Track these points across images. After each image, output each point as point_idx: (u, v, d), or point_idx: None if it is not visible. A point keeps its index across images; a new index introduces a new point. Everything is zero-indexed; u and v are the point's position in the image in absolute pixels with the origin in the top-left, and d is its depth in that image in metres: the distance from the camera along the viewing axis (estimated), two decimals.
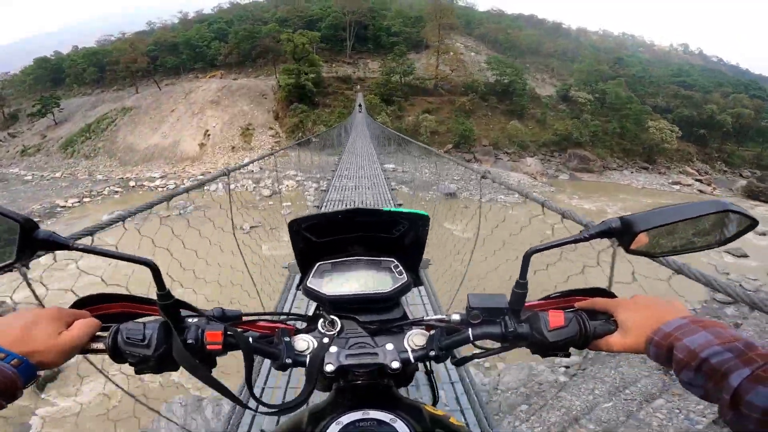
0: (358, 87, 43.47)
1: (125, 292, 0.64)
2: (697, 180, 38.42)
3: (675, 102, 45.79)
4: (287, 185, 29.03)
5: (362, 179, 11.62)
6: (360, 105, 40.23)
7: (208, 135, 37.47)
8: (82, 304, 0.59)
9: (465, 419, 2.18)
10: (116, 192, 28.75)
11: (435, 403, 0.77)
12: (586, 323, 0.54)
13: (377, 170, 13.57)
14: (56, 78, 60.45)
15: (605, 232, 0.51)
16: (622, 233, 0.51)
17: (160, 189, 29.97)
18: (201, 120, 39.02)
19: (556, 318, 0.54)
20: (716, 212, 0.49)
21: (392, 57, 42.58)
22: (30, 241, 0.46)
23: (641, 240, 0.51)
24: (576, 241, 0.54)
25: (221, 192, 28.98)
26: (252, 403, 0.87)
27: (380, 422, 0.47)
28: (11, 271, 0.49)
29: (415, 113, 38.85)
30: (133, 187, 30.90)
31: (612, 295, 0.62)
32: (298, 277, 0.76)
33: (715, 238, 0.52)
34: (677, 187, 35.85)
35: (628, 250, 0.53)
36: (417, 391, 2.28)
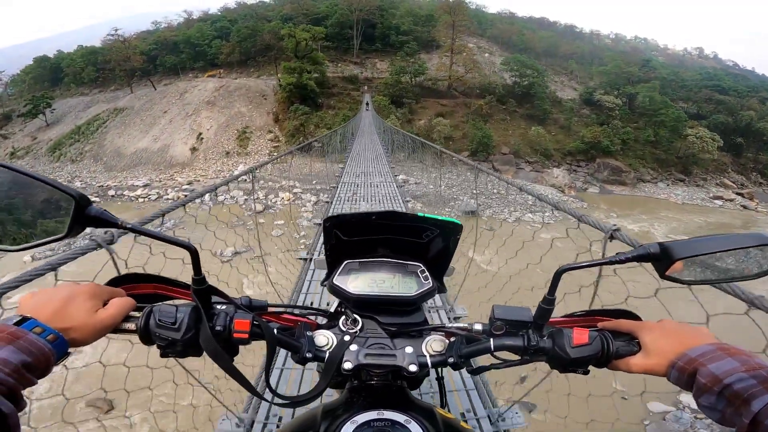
0: (366, 87, 39.03)
1: (159, 274, 0.62)
2: (737, 194, 33.49)
3: (708, 107, 40.74)
4: (282, 198, 24.64)
5: (370, 187, 9.64)
6: (367, 103, 35.75)
7: (201, 138, 33.18)
8: (117, 282, 0.58)
9: (480, 427, 2.03)
10: None
11: (442, 407, 0.73)
12: (610, 343, 0.53)
13: (388, 180, 10.86)
14: (55, 78, 56.78)
15: (642, 257, 0.50)
16: (659, 259, 0.50)
17: (140, 199, 25.71)
18: (194, 122, 34.76)
19: (580, 335, 0.53)
20: (757, 246, 0.48)
21: (402, 55, 38.03)
22: (82, 216, 0.46)
23: (677, 267, 0.50)
24: (610, 263, 0.52)
25: (207, 206, 24.69)
26: (268, 395, 0.86)
27: (395, 423, 0.47)
28: (57, 242, 0.48)
29: (427, 116, 34.30)
30: (112, 196, 26.70)
31: (637, 318, 0.60)
32: (317, 272, 0.76)
33: (753, 271, 0.51)
34: (719, 202, 30.93)
35: (663, 276, 0.51)
36: (422, 394, 1.88)
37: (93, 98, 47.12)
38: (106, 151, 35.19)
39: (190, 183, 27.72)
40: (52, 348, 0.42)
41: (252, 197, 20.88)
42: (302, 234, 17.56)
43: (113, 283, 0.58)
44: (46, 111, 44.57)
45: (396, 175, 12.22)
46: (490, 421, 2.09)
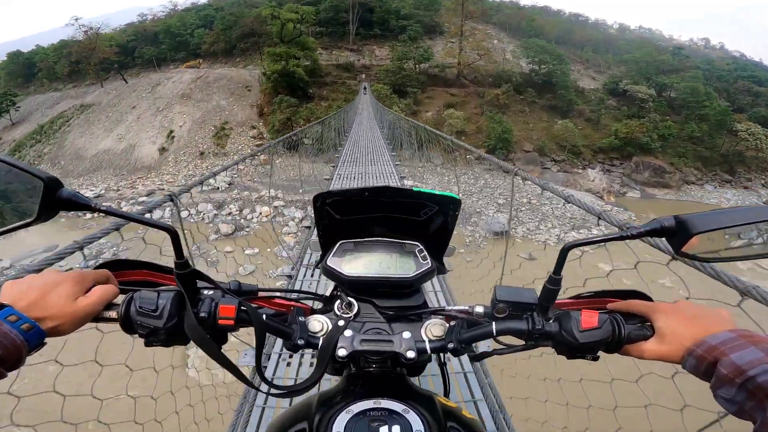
0: (363, 76, 32.82)
1: (148, 260, 0.57)
2: None
3: (745, 100, 34.81)
4: (261, 213, 18.74)
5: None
6: (365, 87, 30.01)
7: (173, 137, 27.11)
8: (104, 268, 0.54)
9: (478, 411, 1.91)
10: None
11: (446, 395, 0.67)
12: (622, 326, 0.47)
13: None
14: (29, 74, 50.26)
15: (656, 231, 0.44)
16: (674, 233, 0.44)
17: (81, 217, 19.79)
18: (166, 118, 28.63)
19: (589, 318, 0.47)
20: None
21: (405, 39, 31.77)
22: (53, 200, 0.43)
23: (693, 243, 0.44)
24: (621, 238, 0.47)
25: (166, 219, 18.75)
26: (263, 386, 0.76)
27: (392, 412, 0.44)
28: (27, 228, 0.45)
29: (435, 108, 28.25)
30: None
31: (649, 299, 0.55)
32: (312, 254, 0.68)
33: None
34: None
35: (678, 253, 0.45)
36: (427, 382, 1.88)
37: (63, 94, 40.77)
38: (65, 153, 29.13)
39: (151, 193, 21.75)
40: (24, 339, 0.39)
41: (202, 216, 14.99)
42: (278, 271, 11.94)
43: (101, 268, 0.53)
44: (10, 109, 38.37)
45: (402, 177, 9.33)
46: (487, 403, 1.95)
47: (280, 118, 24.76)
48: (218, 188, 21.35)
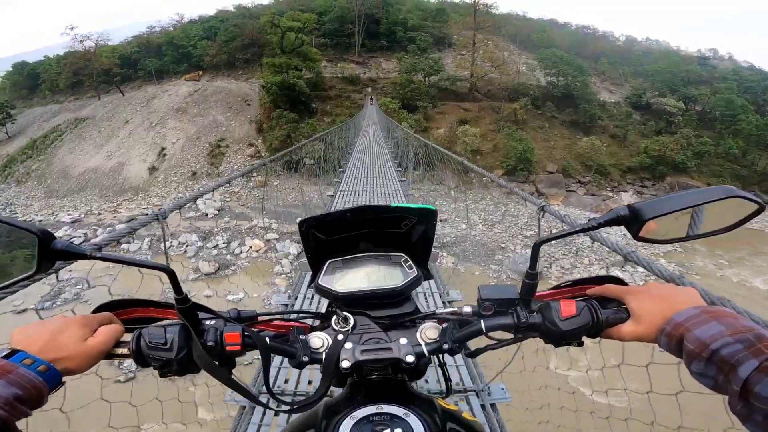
0: (369, 89, 30.07)
1: (144, 297, 0.59)
2: None
3: None
4: (250, 248, 15.82)
5: None
6: (371, 99, 27.41)
7: (164, 155, 24.50)
8: (103, 309, 0.56)
9: (468, 402, 1.96)
10: None
11: (447, 394, 0.71)
12: (598, 312, 0.49)
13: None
14: (34, 85, 48.37)
15: (614, 221, 0.48)
16: (630, 221, 0.47)
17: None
18: (159, 134, 26.07)
19: (567, 307, 0.49)
20: (723, 198, 0.46)
21: (414, 50, 29.03)
22: (48, 252, 0.43)
23: (650, 227, 0.47)
24: (585, 230, 0.50)
25: (144, 251, 15.90)
26: (271, 402, 0.79)
27: (394, 417, 0.45)
28: (29, 283, 0.48)
29: (447, 124, 25.36)
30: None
31: (623, 283, 0.56)
32: (309, 275, 0.69)
33: (725, 224, 0.48)
34: None
35: (636, 237, 0.48)
36: (427, 384, 2.01)
37: (62, 107, 38.57)
38: (53, 170, 26.62)
39: (132, 219, 19.00)
40: (43, 380, 0.40)
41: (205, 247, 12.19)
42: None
43: (100, 310, 0.55)
44: (6, 122, 36.22)
45: (409, 194, 8.50)
46: (477, 395, 2.01)
47: (279, 135, 22.01)
48: (206, 215, 18.57)
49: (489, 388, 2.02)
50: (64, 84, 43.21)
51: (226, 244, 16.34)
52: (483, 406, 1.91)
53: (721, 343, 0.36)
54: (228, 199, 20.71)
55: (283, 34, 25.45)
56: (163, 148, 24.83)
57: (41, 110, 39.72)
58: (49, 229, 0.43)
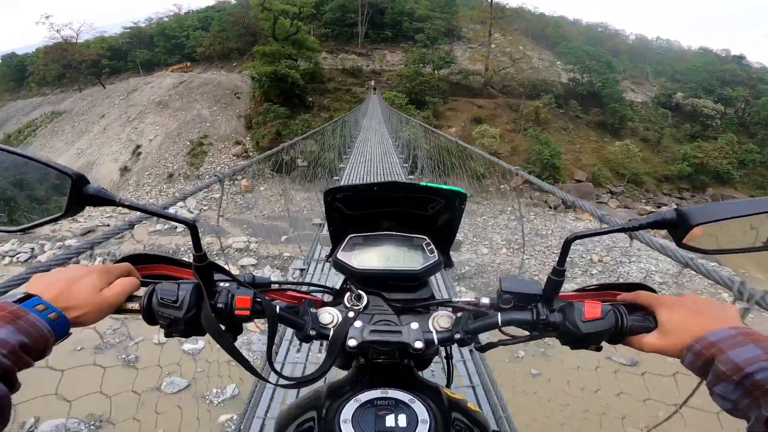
0: (372, 82, 26.42)
1: (166, 255, 0.56)
2: None
3: None
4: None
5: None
6: (374, 88, 24.32)
7: (139, 153, 21.00)
8: (126, 261, 0.54)
9: (476, 396, 1.92)
10: None
11: (448, 385, 0.67)
12: (624, 317, 0.46)
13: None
14: (21, 77, 44.76)
15: (658, 223, 0.43)
16: (676, 225, 0.43)
17: (5, 259, 13.55)
18: (135, 130, 22.56)
19: (592, 309, 0.45)
20: None
21: (422, 39, 25.34)
22: (80, 196, 0.42)
23: (695, 234, 0.42)
24: (624, 230, 0.46)
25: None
26: (272, 377, 0.78)
27: (398, 402, 0.43)
28: (56, 222, 0.45)
29: (459, 122, 21.77)
30: None
31: (654, 292, 0.52)
32: (327, 249, 0.65)
33: None
34: None
35: (680, 244, 0.44)
36: (431, 374, 1.60)
37: (44, 99, 35.04)
38: None
39: (88, 232, 15.51)
40: (51, 329, 0.38)
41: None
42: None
43: (122, 261, 0.53)
44: None
45: None
46: (484, 389, 1.96)
47: (266, 133, 18.44)
48: (175, 228, 15.18)
49: (496, 383, 1.99)
50: (52, 76, 39.85)
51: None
52: (489, 401, 1.86)
53: (757, 367, 0.33)
54: (205, 208, 17.23)
55: (275, 19, 21.79)
56: (138, 146, 21.35)
57: (23, 103, 36.22)
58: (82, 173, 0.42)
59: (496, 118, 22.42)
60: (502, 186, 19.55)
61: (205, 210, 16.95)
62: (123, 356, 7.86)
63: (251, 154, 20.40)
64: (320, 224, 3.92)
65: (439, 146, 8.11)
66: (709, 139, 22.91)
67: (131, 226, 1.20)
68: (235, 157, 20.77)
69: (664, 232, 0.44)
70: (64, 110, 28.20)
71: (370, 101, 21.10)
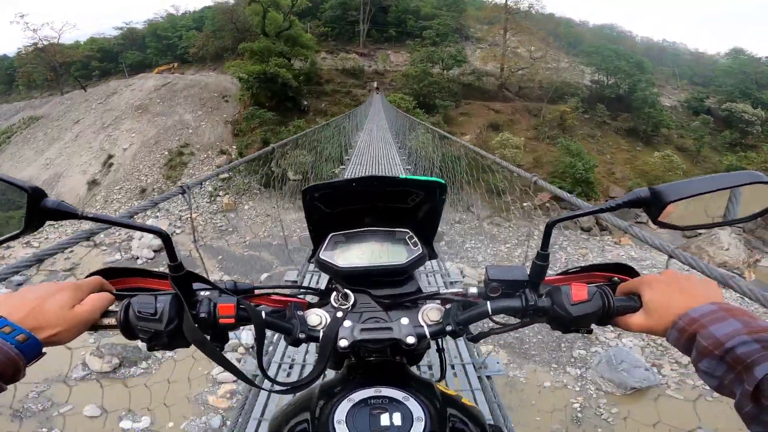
0: (375, 83, 23.43)
1: (140, 267, 0.53)
2: None
3: None
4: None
5: None
6: (377, 89, 21.61)
7: (110, 164, 18.10)
8: (97, 275, 0.51)
9: (475, 400, 1.79)
10: None
11: (441, 378, 0.66)
12: (610, 298, 0.45)
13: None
14: (12, 80, 42.26)
15: (633, 202, 0.43)
16: (650, 204, 0.43)
17: None
18: (109, 138, 19.66)
19: (579, 291, 0.44)
20: (749, 183, 0.41)
21: (431, 37, 22.33)
22: (38, 210, 0.39)
23: (669, 211, 0.43)
24: (602, 210, 0.46)
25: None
26: (266, 383, 0.71)
27: (392, 400, 0.42)
28: (15, 240, 0.42)
29: (474, 128, 18.74)
30: None
31: (635, 271, 0.52)
32: (309, 250, 0.63)
33: (749, 212, 0.44)
34: None
35: (656, 222, 0.44)
36: (427, 369, 1.90)
37: (28, 104, 32.28)
38: None
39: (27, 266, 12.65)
40: (20, 351, 0.36)
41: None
42: None
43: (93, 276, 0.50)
44: None
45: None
46: (474, 367, 1.97)
47: (250, 142, 15.52)
48: (136, 258, 12.28)
49: (485, 361, 1.97)
50: (41, 79, 37.20)
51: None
52: (480, 378, 1.88)
53: (738, 341, 0.33)
54: (178, 231, 14.29)
55: (265, 12, 18.82)
56: (110, 156, 18.45)
57: (8, 107, 33.38)
58: (39, 186, 0.39)
59: (515, 124, 19.37)
60: (525, 204, 16.56)
61: (177, 233, 14.02)
62: (43, 430, 6.02)
63: (239, 168, 17.47)
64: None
65: (451, 156, 7.20)
66: (750, 148, 19.81)
67: (90, 235, 1.08)
68: (219, 168, 17.84)
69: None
70: (41, 115, 25.39)
71: (372, 104, 18.12)
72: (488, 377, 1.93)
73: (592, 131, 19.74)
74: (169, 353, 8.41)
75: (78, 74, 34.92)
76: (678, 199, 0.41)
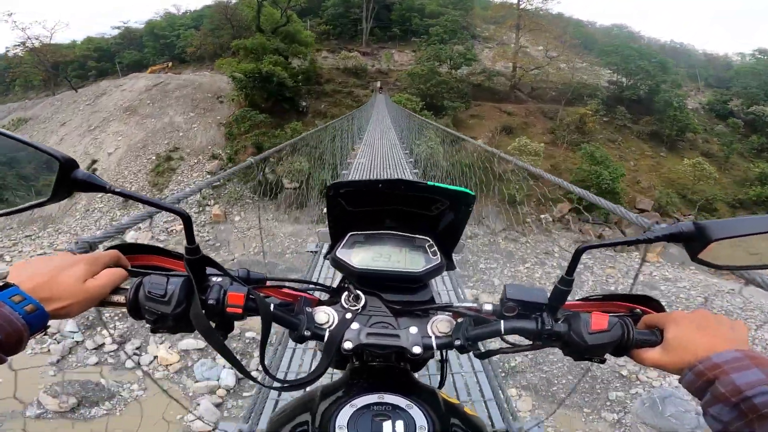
0: (378, 83, 21.88)
1: (158, 245, 0.52)
2: None
3: None
4: (155, 359, 7.63)
5: None
6: (380, 89, 20.41)
7: (94, 170, 16.62)
8: (115, 249, 0.50)
9: (488, 411, 1.73)
10: None
11: (441, 386, 0.63)
12: (631, 330, 0.43)
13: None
14: (7, 83, 41.13)
15: (674, 236, 0.40)
16: (692, 239, 0.40)
17: None
18: (95, 141, 18.23)
19: (599, 320, 0.43)
20: None
21: (438, 34, 20.73)
22: (68, 181, 0.39)
23: (710, 249, 0.40)
24: (638, 242, 0.43)
25: None
26: (267, 379, 0.71)
27: (395, 407, 0.40)
28: (41, 207, 0.41)
29: (485, 132, 17.14)
30: None
31: (659, 304, 0.50)
32: (326, 246, 0.62)
33: None
34: None
35: (694, 259, 0.41)
36: (423, 371, 1.54)
37: (21, 105, 30.96)
38: None
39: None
40: (26, 322, 0.35)
41: None
42: None
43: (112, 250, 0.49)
44: None
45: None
46: (497, 404, 1.78)
47: (240, 147, 14.03)
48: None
49: (505, 389, 1.80)
50: (37, 80, 35.95)
51: (117, 347, 8.40)
52: (501, 414, 1.68)
53: (758, 390, 0.32)
54: (161, 244, 12.77)
55: (259, 6, 17.29)
56: (94, 161, 16.99)
57: (1, 108, 32.27)
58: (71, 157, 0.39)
59: (529, 127, 17.74)
60: (542, 216, 14.92)
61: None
62: None
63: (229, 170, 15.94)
64: (314, 252, 3.34)
65: (462, 163, 6.55)
66: None
67: (150, 216, 1.07)
68: (209, 175, 16.34)
69: None
70: (30, 117, 24.02)
71: (375, 105, 16.56)
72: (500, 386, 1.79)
73: (612, 135, 18.08)
74: (137, 391, 7.03)
75: (74, 74, 33.68)
76: (725, 237, 0.38)
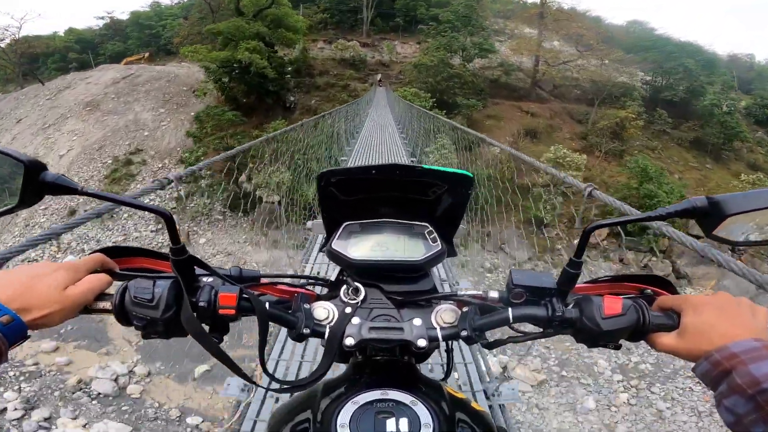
0: (379, 76, 18.90)
1: (145, 247, 0.50)
2: None
3: None
4: None
5: None
6: (380, 82, 17.84)
7: None
8: (99, 253, 0.47)
9: (476, 399, 1.68)
10: None
11: (445, 378, 0.60)
12: (647, 314, 0.40)
13: None
14: None
15: (687, 212, 0.38)
16: (706, 215, 0.38)
17: None
18: (48, 140, 15.32)
19: (612, 304, 0.40)
20: None
21: (450, 20, 17.69)
22: (36, 184, 0.37)
23: (725, 225, 0.38)
24: (649, 218, 0.40)
25: None
26: (266, 381, 0.70)
27: (399, 403, 0.38)
28: (9, 214, 0.39)
29: (505, 135, 14.18)
30: None
31: (671, 285, 0.47)
32: (321, 238, 0.57)
33: None
34: None
35: (709, 235, 0.39)
36: (428, 366, 1.71)
37: None
38: None
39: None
40: (2, 334, 0.33)
41: None
42: None
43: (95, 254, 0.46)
44: None
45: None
46: (486, 395, 1.76)
47: (201, 154, 11.15)
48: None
49: (498, 387, 1.72)
50: (14, 72, 32.98)
51: (22, 414, 5.85)
52: (491, 407, 1.68)
53: None
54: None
55: None
56: (44, 164, 14.11)
57: None
58: (38, 159, 0.36)
59: (555, 131, 14.82)
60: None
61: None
62: None
63: (202, 174, 13.04)
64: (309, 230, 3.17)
65: (478, 173, 4.92)
66: None
67: (98, 215, 1.04)
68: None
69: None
70: None
71: (373, 101, 13.62)
72: (501, 405, 1.67)
73: (650, 143, 15.17)
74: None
75: (54, 66, 30.72)
76: (739, 212, 0.36)
